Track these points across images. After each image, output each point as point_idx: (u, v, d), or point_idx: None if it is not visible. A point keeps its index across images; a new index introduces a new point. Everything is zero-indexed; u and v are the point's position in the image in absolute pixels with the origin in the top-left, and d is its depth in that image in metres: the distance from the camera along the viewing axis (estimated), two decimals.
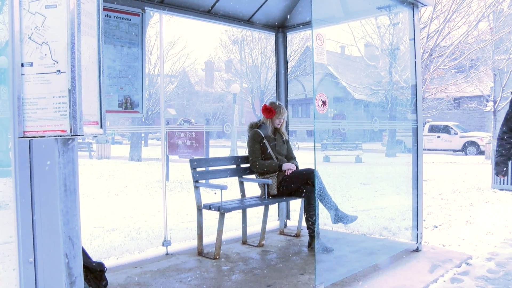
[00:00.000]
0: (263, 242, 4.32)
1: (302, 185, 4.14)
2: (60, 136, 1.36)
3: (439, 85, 13.83)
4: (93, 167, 15.21)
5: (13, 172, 1.78)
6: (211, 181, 4.25)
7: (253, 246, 4.30)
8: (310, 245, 4.15)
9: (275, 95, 5.22)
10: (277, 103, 4.47)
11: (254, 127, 4.42)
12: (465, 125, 25.26)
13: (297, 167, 4.35)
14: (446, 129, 21.40)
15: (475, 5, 11.94)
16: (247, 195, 4.53)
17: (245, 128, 4.59)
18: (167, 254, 4.05)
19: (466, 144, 20.68)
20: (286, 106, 5.01)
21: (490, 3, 12.21)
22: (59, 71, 1.35)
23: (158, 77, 21.13)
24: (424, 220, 5.11)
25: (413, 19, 4.03)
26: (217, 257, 3.88)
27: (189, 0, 4.11)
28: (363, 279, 3.31)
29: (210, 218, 4.49)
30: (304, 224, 4.28)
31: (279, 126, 4.44)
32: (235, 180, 4.55)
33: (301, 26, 5.06)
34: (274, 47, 5.23)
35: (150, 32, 20.13)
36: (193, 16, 4.25)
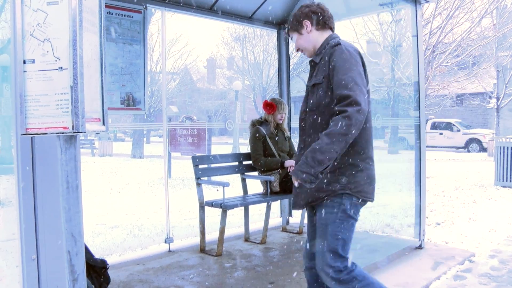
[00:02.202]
0: (265, 239, 4.32)
1: None
2: (62, 133, 1.36)
3: (441, 82, 13.79)
4: (95, 165, 15.24)
5: (15, 169, 1.78)
6: (213, 178, 4.25)
7: (256, 243, 4.30)
8: None
9: (277, 92, 5.21)
10: (278, 99, 4.46)
11: (256, 124, 4.42)
12: (467, 122, 25.15)
13: None
14: (449, 126, 21.33)
15: (478, 1, 11.87)
16: (249, 192, 4.52)
17: (247, 125, 4.58)
18: (169, 251, 4.05)
19: (469, 141, 20.61)
20: (289, 103, 5.01)
21: None
22: (61, 68, 1.35)
23: (160, 74, 21.14)
24: (427, 217, 5.10)
25: (416, 16, 4.01)
26: (220, 254, 3.88)
27: None
28: None
29: (213, 215, 4.49)
30: (306, 221, 4.28)
31: (281, 122, 4.43)
32: (237, 177, 4.55)
33: None
34: (276, 44, 5.22)
35: (152, 29, 20.11)
36: (195, 13, 4.24)
